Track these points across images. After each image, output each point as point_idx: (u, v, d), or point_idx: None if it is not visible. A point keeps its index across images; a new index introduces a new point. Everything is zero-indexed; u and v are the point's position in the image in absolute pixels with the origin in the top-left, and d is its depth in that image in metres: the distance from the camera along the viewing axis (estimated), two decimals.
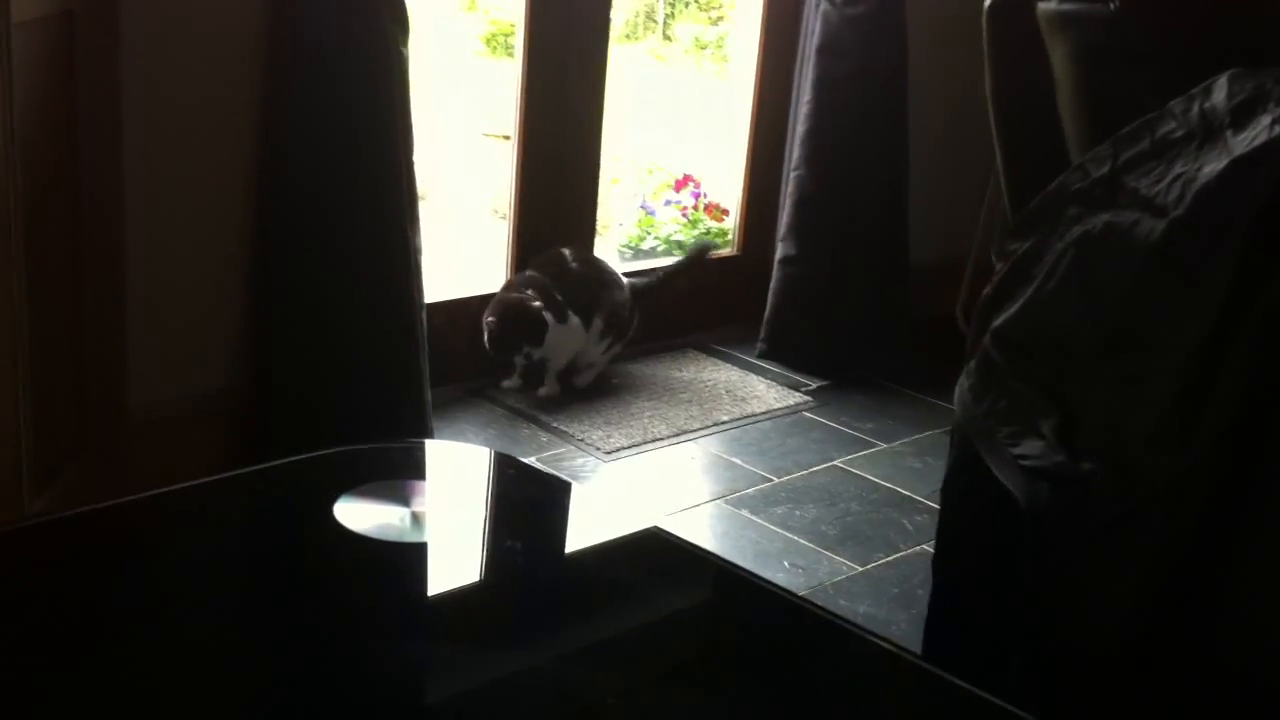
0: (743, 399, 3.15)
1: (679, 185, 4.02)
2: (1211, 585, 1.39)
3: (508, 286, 3.00)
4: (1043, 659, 1.53)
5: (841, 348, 3.34)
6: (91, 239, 2.20)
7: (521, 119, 3.05)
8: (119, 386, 2.39)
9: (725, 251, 3.69)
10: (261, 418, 2.52)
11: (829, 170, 3.24)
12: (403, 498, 1.24)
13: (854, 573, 2.44)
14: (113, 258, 2.31)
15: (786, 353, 3.37)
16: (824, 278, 3.30)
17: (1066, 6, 1.85)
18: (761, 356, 3.40)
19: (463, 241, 4.05)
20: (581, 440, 2.85)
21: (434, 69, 4.44)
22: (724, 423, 3.01)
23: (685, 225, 3.92)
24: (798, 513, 2.63)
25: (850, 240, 3.29)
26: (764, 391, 3.20)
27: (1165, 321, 1.45)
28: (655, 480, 2.75)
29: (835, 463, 2.88)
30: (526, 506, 1.37)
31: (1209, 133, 1.51)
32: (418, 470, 1.41)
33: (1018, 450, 1.53)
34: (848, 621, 1.22)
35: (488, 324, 2.94)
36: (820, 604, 1.42)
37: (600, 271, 3.10)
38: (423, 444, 2.05)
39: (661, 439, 2.90)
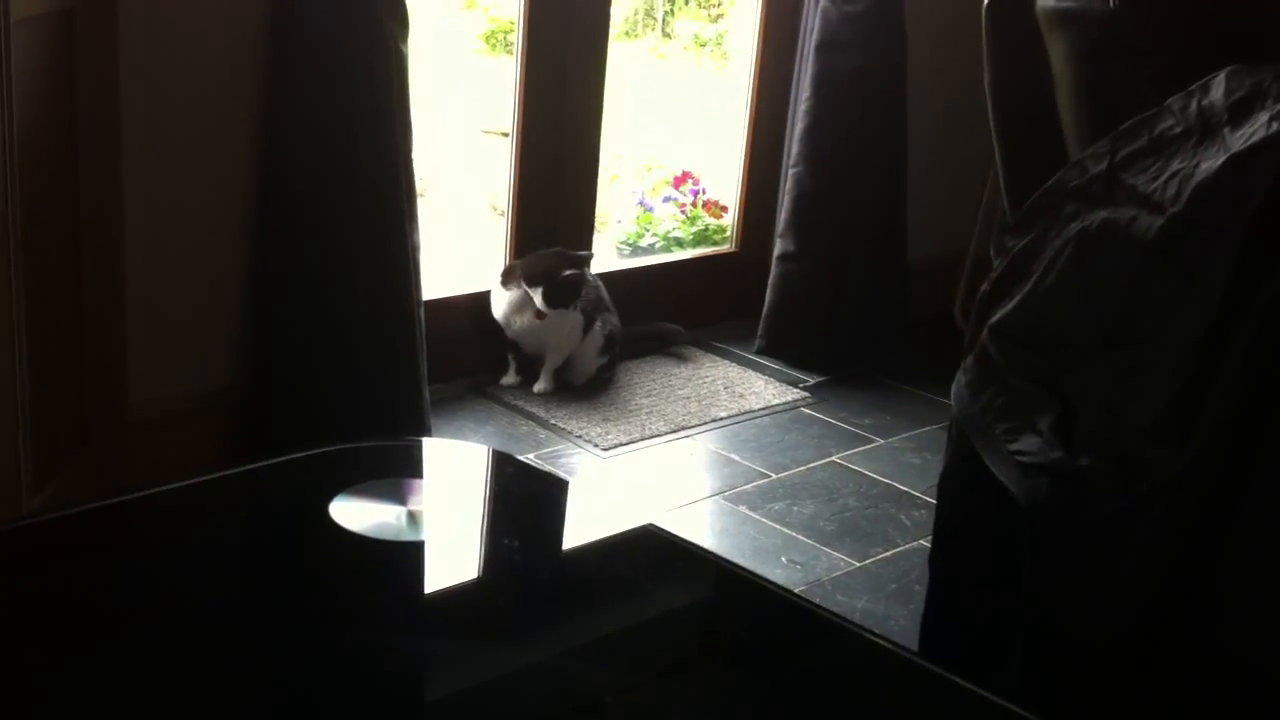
0: (741, 395, 3.15)
1: (677, 182, 4.02)
2: (1211, 585, 1.39)
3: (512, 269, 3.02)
4: (1042, 658, 1.53)
5: (840, 344, 3.34)
6: (90, 236, 2.20)
7: (520, 116, 3.05)
8: (118, 384, 2.39)
9: (724, 248, 3.70)
10: (260, 415, 2.52)
11: (828, 167, 3.24)
12: (399, 496, 1.24)
13: (852, 568, 2.44)
14: (112, 255, 2.31)
15: (785, 349, 3.37)
16: (822, 274, 3.30)
17: (1065, 4, 1.85)
18: (760, 353, 3.40)
19: (461, 238, 4.05)
20: (579, 437, 2.85)
21: (433, 66, 4.44)
22: (722, 419, 3.02)
23: (684, 222, 3.92)
24: (795, 508, 2.63)
25: (849, 237, 3.29)
26: (762, 388, 3.20)
27: (1164, 317, 1.45)
28: (653, 477, 2.75)
29: (833, 458, 2.88)
30: (523, 504, 1.37)
31: (1207, 129, 1.51)
32: (414, 469, 1.41)
33: (1015, 446, 1.53)
34: (843, 618, 1.22)
35: (523, 268, 2.98)
36: (816, 600, 1.42)
37: (599, 289, 3.11)
38: (420, 442, 2.05)
39: (659, 435, 2.90)
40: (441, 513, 1.25)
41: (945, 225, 3.49)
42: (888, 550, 2.51)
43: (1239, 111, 1.50)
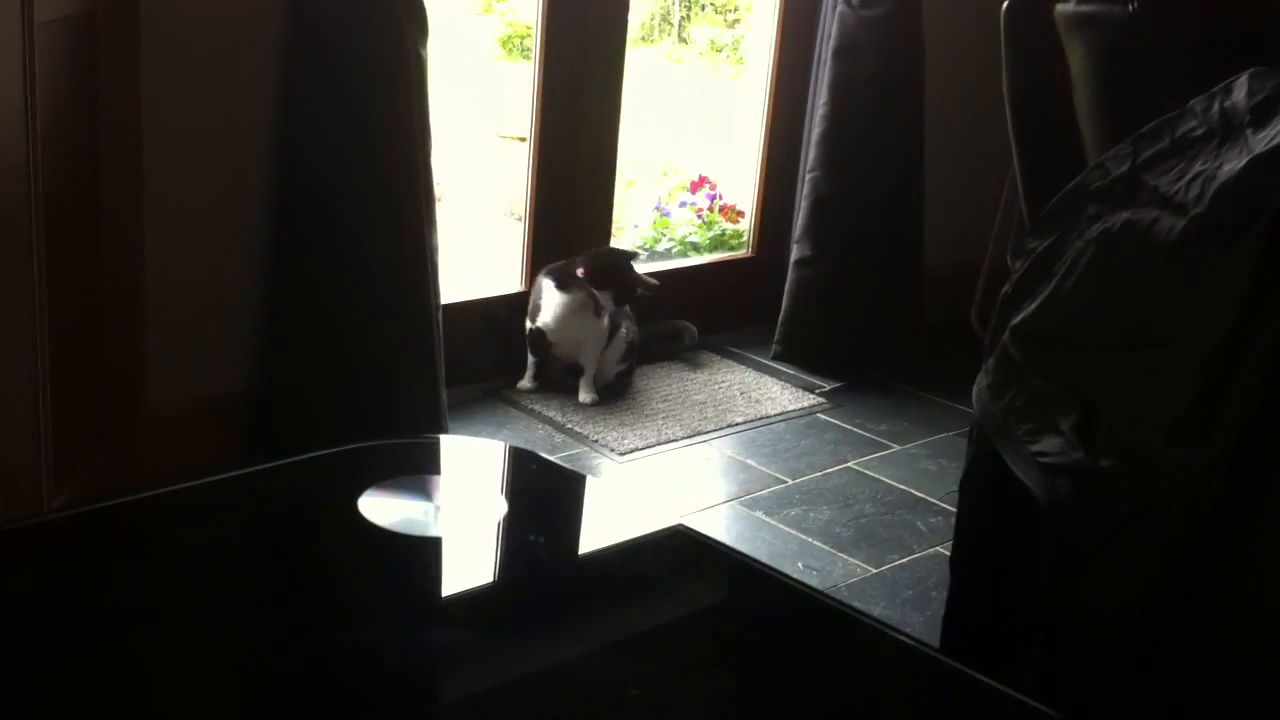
0: (757, 401, 3.15)
1: (694, 187, 4.03)
2: (1212, 585, 1.38)
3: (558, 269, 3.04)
4: (1058, 657, 1.53)
5: (856, 350, 3.34)
6: (111, 237, 2.21)
7: (538, 121, 3.06)
8: (138, 383, 2.40)
9: (740, 253, 3.70)
10: (277, 417, 2.53)
11: (845, 172, 3.24)
12: (427, 492, 1.25)
13: (868, 574, 2.44)
14: (132, 255, 2.32)
15: (801, 354, 3.37)
16: (839, 280, 3.30)
17: (1084, 8, 1.85)
18: (776, 358, 3.40)
19: (479, 243, 4.06)
20: (596, 441, 2.85)
21: (451, 71, 4.45)
22: (738, 424, 3.02)
23: (700, 227, 3.92)
24: (812, 514, 2.63)
25: (865, 243, 3.29)
26: (778, 393, 3.20)
27: (1186, 317, 1.45)
28: (670, 481, 2.75)
29: (849, 465, 2.87)
30: (550, 501, 1.37)
31: (1229, 131, 1.51)
32: (441, 465, 1.41)
33: (1036, 447, 1.53)
34: (872, 617, 1.22)
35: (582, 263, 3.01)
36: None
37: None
38: (446, 439, 2.06)
39: (676, 440, 2.90)
40: (468, 508, 1.25)
41: (962, 231, 3.49)
42: (904, 557, 2.51)
43: (1261, 113, 1.50)
